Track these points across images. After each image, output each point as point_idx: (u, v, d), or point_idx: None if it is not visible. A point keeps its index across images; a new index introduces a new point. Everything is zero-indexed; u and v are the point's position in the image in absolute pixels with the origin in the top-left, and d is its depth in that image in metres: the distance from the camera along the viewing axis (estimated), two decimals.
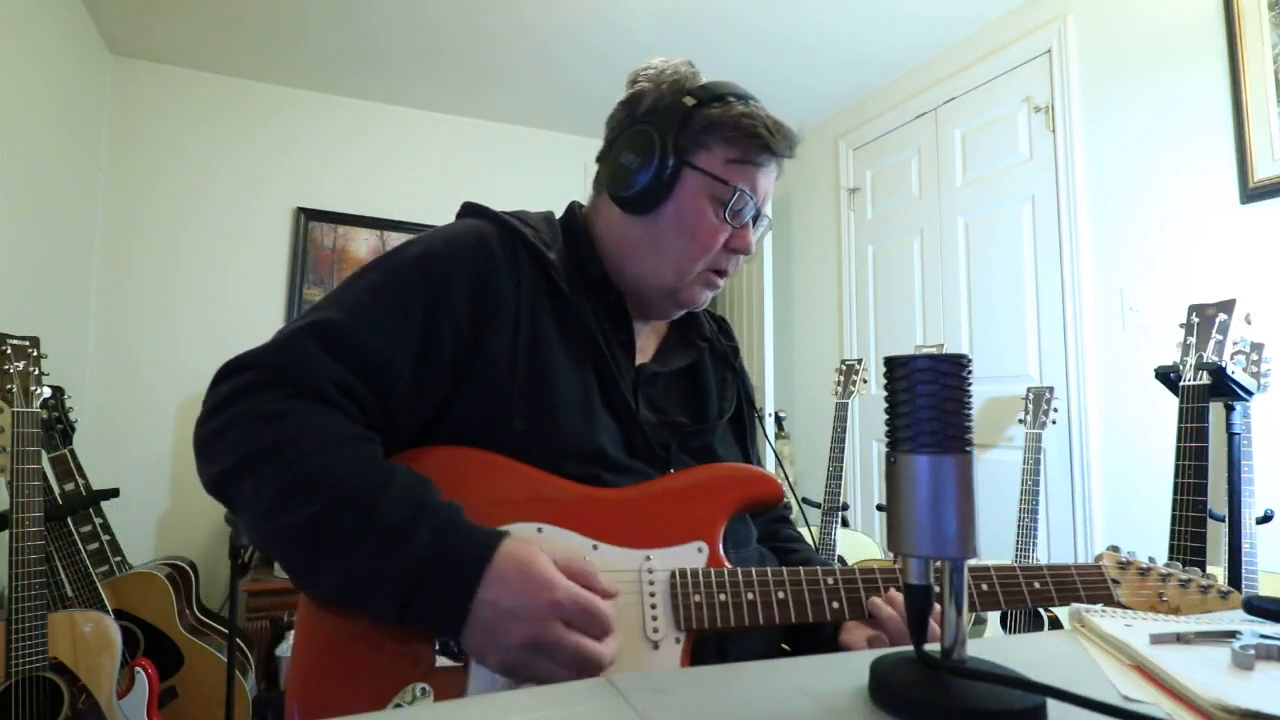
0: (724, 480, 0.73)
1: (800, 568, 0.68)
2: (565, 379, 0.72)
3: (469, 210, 0.82)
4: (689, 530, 0.68)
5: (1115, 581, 0.75)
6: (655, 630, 0.62)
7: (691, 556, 0.67)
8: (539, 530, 0.65)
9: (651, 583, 0.64)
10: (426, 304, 0.70)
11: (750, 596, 0.65)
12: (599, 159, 0.86)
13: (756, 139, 0.77)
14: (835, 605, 0.67)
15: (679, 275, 0.79)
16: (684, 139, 0.77)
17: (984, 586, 0.71)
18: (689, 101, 0.77)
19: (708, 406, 0.86)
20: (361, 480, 0.60)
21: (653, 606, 0.63)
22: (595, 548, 0.66)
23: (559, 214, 0.88)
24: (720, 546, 0.68)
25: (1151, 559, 0.78)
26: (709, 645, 0.68)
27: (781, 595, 0.66)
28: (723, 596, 0.64)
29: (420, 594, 0.57)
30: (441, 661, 0.60)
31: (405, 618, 0.57)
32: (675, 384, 0.86)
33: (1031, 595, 0.72)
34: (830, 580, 0.68)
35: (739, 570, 0.66)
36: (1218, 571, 1.40)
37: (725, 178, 0.76)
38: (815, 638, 0.80)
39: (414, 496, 0.60)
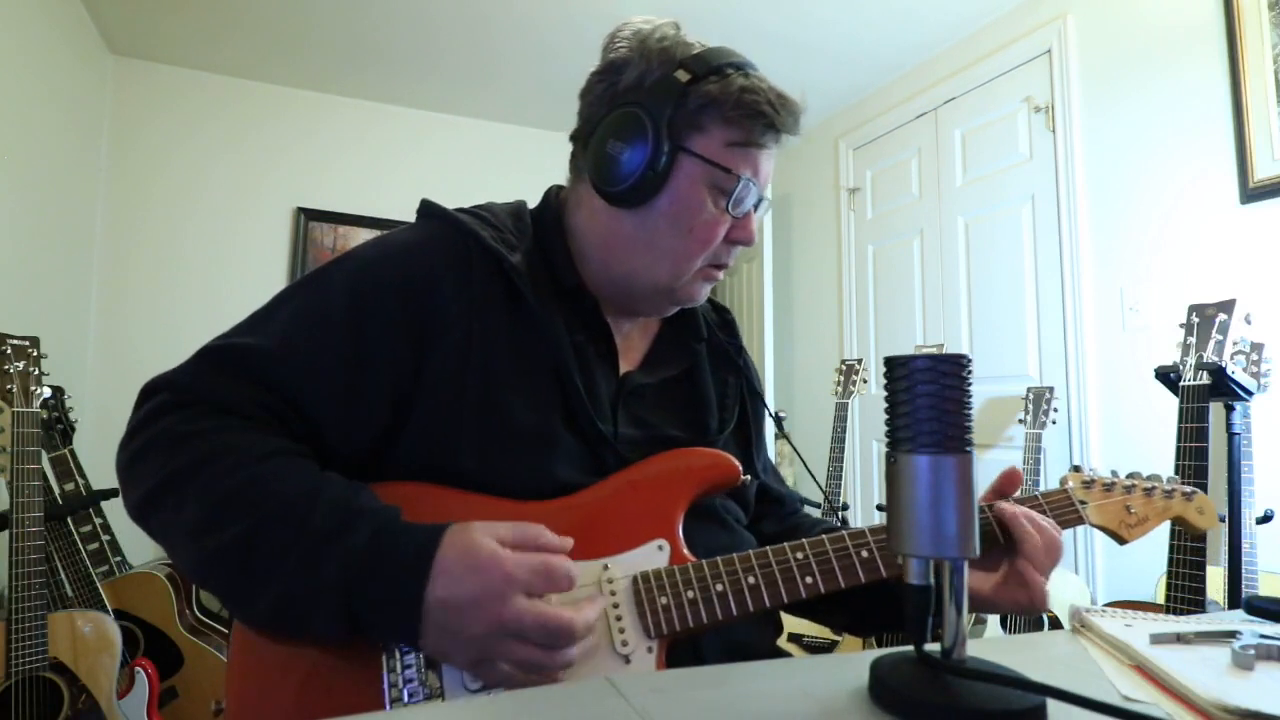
0: (674, 468, 0.67)
1: (769, 548, 0.63)
2: (521, 407, 0.65)
3: (424, 211, 0.74)
4: (646, 529, 0.63)
5: (1083, 502, 0.72)
6: (624, 643, 0.58)
7: (652, 557, 0.62)
8: None
9: (613, 592, 0.60)
10: (356, 323, 0.64)
11: (720, 588, 0.60)
12: (574, 137, 0.75)
13: (760, 117, 0.67)
14: (809, 580, 0.62)
15: (676, 274, 0.71)
16: (679, 121, 0.67)
17: None
18: (683, 76, 0.67)
19: (707, 418, 0.77)
20: (290, 492, 0.56)
21: (618, 618, 0.59)
22: None
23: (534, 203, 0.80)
24: (681, 541, 0.63)
25: (1114, 472, 0.76)
26: (685, 654, 0.63)
27: (752, 580, 0.61)
28: (690, 593, 0.60)
29: (365, 601, 0.53)
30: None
31: (355, 629, 0.53)
32: (668, 393, 0.77)
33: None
34: (800, 555, 0.63)
35: (704, 563, 0.61)
36: (1217, 571, 1.40)
37: (727, 165, 0.67)
38: (867, 607, 0.73)
39: (348, 501, 0.56)
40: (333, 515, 0.55)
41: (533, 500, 0.64)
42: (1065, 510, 0.71)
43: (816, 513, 2.21)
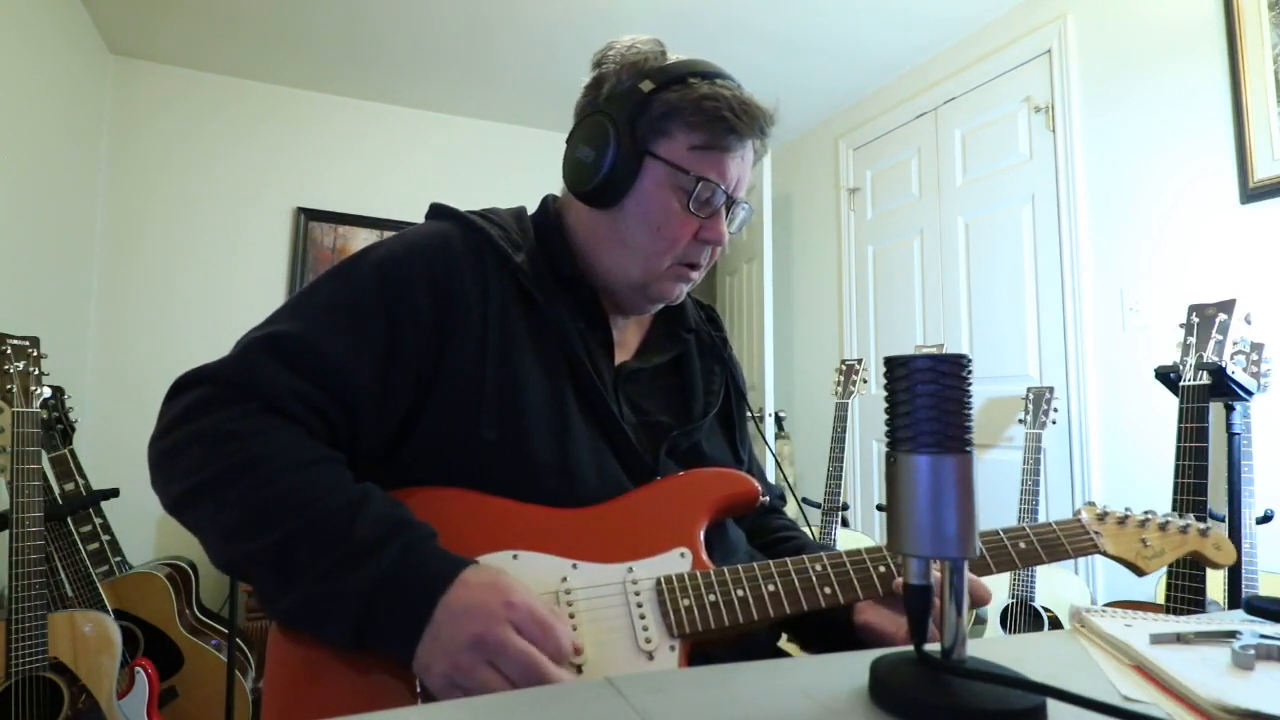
0: (699, 484, 0.71)
1: (788, 559, 0.66)
2: (536, 387, 0.70)
3: (436, 212, 0.80)
4: (669, 537, 0.66)
5: (1097, 533, 0.74)
6: (648, 640, 0.60)
7: (675, 563, 0.65)
8: (514, 557, 0.63)
9: (637, 593, 0.63)
10: (387, 310, 0.68)
11: (740, 593, 0.63)
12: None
13: (720, 122, 0.71)
14: (828, 591, 0.65)
15: (647, 270, 0.75)
16: (643, 127, 0.72)
17: None
18: (646, 86, 0.72)
19: (693, 403, 0.82)
20: (332, 502, 0.58)
21: (642, 617, 0.61)
22: (575, 567, 0.64)
23: (534, 208, 0.85)
24: (702, 549, 0.67)
25: (1128, 509, 0.77)
26: (698, 660, 0.65)
27: (772, 588, 0.64)
28: (712, 597, 0.63)
29: (381, 603, 0.55)
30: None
31: (362, 632, 0.55)
32: (658, 380, 0.82)
33: (1019, 556, 0.70)
34: (819, 567, 0.66)
35: (725, 569, 0.65)
36: (1217, 571, 1.40)
37: (687, 166, 0.72)
38: (824, 633, 0.77)
39: (389, 516, 0.59)
40: (373, 528, 0.57)
41: (563, 505, 0.67)
42: (1079, 538, 0.73)
43: (816, 513, 2.21)
